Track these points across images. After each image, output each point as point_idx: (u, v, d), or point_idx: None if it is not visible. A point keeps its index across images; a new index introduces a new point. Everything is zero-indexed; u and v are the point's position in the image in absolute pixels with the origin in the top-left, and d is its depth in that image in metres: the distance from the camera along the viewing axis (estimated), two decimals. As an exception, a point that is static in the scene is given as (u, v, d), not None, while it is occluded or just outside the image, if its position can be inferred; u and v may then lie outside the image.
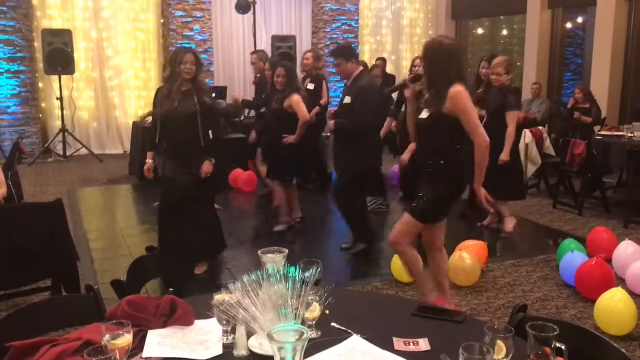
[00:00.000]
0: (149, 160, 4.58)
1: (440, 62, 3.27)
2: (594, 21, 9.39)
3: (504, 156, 5.36)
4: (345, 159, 4.96)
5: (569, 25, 10.96)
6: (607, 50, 8.90)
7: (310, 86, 7.19)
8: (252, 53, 7.24)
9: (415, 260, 3.61)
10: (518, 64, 11.44)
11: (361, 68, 5.00)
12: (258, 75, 7.15)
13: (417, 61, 6.17)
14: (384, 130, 6.17)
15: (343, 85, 5.21)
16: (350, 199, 5.07)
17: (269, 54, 9.89)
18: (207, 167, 4.38)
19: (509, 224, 5.76)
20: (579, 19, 11.47)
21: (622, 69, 9.02)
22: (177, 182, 4.42)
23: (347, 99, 4.85)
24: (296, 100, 5.31)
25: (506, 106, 5.35)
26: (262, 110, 6.28)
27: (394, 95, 6.24)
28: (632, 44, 8.95)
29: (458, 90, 3.22)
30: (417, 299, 3.77)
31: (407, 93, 3.60)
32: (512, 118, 5.36)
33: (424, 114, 3.37)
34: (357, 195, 5.16)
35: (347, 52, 4.89)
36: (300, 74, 7.95)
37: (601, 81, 8.95)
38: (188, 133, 4.35)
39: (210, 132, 4.42)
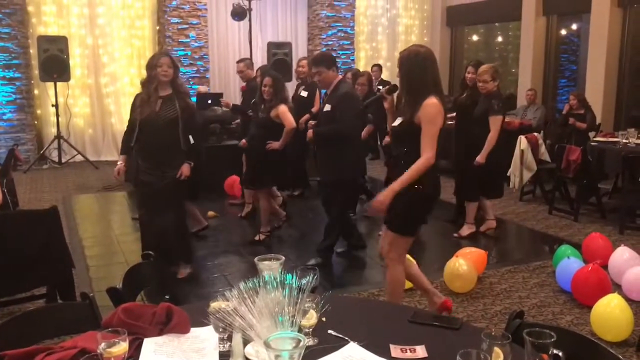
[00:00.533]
0: (120, 163, 4.61)
1: (417, 70, 3.28)
2: (588, 28, 9.44)
3: (480, 158, 5.46)
4: (329, 166, 4.93)
5: (563, 32, 11.00)
6: (602, 57, 8.94)
7: (304, 93, 7.19)
8: (238, 62, 7.22)
9: (398, 280, 3.56)
10: (513, 70, 11.49)
11: (340, 76, 5.00)
12: (245, 82, 7.14)
13: None
14: (364, 135, 6.13)
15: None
16: (331, 208, 5.08)
17: (265, 61, 9.94)
18: (185, 169, 4.40)
19: (467, 230, 5.83)
20: (574, 26, 11.51)
21: (616, 75, 9.06)
22: (151, 186, 4.47)
23: (327, 107, 4.84)
24: (283, 111, 5.34)
25: (490, 111, 5.43)
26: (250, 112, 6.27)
27: None
28: (626, 50, 9.00)
29: (434, 102, 3.23)
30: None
31: (386, 105, 3.58)
32: (494, 123, 5.44)
33: (397, 122, 3.39)
34: (334, 205, 5.12)
35: (327, 60, 4.86)
36: (295, 81, 7.97)
37: (596, 87, 8.99)
38: (168, 138, 4.38)
39: (190, 137, 4.44)
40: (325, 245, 5.10)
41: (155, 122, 4.36)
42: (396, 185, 3.24)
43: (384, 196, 3.24)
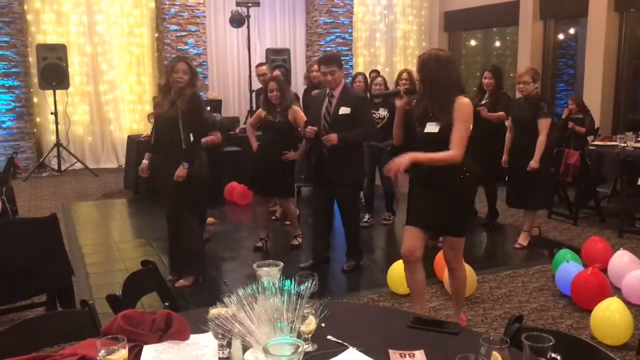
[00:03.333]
0: (144, 161, 4.66)
1: (441, 73, 3.25)
2: (585, 32, 9.47)
3: (534, 163, 5.34)
4: (347, 169, 4.79)
5: (561, 36, 11.03)
6: (599, 61, 8.97)
7: None
8: (259, 65, 7.19)
9: (466, 279, 3.73)
10: (511, 75, 11.50)
11: (346, 80, 5.02)
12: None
13: (405, 74, 6.12)
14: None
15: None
16: (354, 211, 5.06)
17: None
18: (179, 171, 4.39)
19: (527, 239, 5.71)
20: (571, 30, 11.55)
21: (614, 79, 9.08)
22: (166, 183, 4.54)
23: (345, 110, 4.68)
24: (300, 114, 5.21)
25: (539, 114, 5.35)
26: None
27: None
28: (623, 54, 9.02)
29: (467, 101, 3.26)
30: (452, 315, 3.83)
31: (398, 102, 3.50)
32: (544, 126, 5.36)
33: (433, 128, 3.28)
34: (357, 208, 5.15)
35: (338, 60, 4.83)
36: (304, 85, 7.93)
37: (594, 91, 9.01)
38: (170, 136, 4.42)
39: (191, 135, 4.41)
40: (355, 247, 5.11)
41: (162, 120, 4.48)
42: (420, 157, 3.22)
43: (405, 159, 3.19)
